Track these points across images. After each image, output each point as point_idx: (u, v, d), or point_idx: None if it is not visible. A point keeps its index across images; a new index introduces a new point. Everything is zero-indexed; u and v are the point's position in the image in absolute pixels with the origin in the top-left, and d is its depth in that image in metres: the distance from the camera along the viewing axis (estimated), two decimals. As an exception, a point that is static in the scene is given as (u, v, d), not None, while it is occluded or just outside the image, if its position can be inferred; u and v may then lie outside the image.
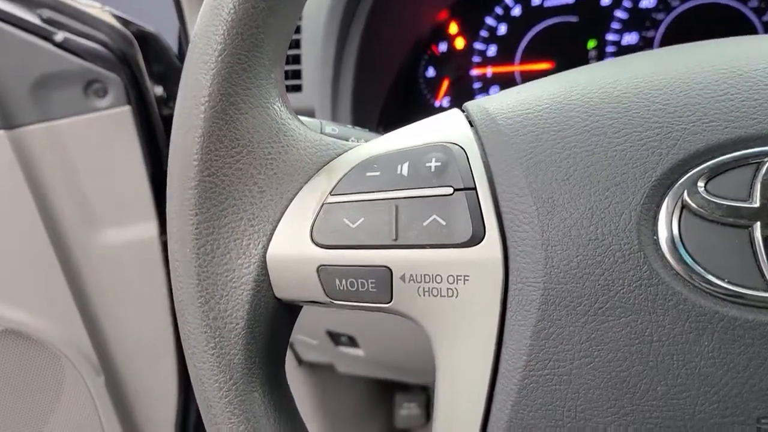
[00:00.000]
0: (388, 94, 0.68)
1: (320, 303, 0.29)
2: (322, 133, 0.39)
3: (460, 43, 0.69)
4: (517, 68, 0.68)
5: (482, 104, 0.29)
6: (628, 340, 0.23)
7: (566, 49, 0.66)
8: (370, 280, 0.27)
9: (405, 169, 0.27)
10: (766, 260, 0.22)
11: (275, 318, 0.29)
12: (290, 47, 0.64)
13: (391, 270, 0.27)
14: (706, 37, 0.60)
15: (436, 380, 0.28)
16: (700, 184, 0.23)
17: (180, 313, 0.30)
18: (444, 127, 0.29)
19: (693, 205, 0.23)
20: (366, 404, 0.96)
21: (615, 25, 0.65)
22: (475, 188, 0.26)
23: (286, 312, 0.30)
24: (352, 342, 0.68)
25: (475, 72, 0.69)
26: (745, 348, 0.22)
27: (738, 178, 0.23)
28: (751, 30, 0.61)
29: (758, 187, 0.22)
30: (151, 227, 0.72)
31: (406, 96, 0.70)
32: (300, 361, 0.83)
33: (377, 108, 0.66)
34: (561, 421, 0.24)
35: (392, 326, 0.58)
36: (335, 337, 0.68)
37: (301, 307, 0.31)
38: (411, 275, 0.26)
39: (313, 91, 0.62)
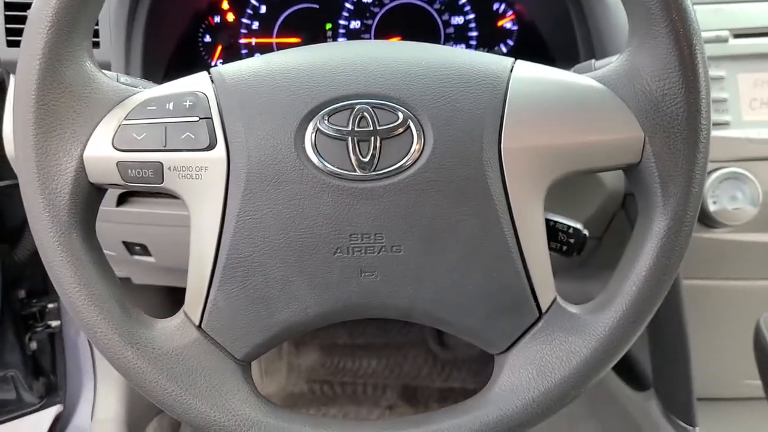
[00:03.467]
0: (173, 54, 0.85)
1: (119, 185, 0.48)
2: (118, 81, 0.57)
3: (230, 17, 0.88)
4: (274, 40, 0.88)
5: (220, 69, 0.49)
6: (289, 198, 0.46)
7: (310, 28, 0.88)
8: (149, 170, 0.47)
9: (171, 105, 0.47)
10: (352, 157, 0.45)
11: (89, 195, 0.48)
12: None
13: (162, 164, 0.47)
14: (406, 25, 0.86)
15: (191, 232, 0.49)
16: (325, 118, 0.46)
17: (24, 194, 0.47)
18: (196, 83, 0.49)
19: (322, 129, 0.46)
20: (160, 312, 1.15)
21: (344, 13, 0.88)
22: (211, 117, 0.47)
23: (96, 191, 0.48)
24: (145, 251, 0.86)
25: (242, 41, 0.89)
26: (336, 200, 0.46)
27: (344, 115, 0.46)
28: (434, 23, 0.88)
29: (350, 119, 0.46)
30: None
31: (188, 56, 0.87)
32: None
33: (163, 65, 0.83)
34: (258, 245, 0.46)
35: (178, 234, 0.77)
36: (130, 247, 0.85)
37: (107, 190, 0.49)
38: (174, 166, 0.47)
39: (108, 49, 0.78)
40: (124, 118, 0.47)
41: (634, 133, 0.47)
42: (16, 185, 0.49)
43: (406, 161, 0.46)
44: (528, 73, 0.48)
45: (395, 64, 0.48)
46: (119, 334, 0.47)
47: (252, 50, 0.89)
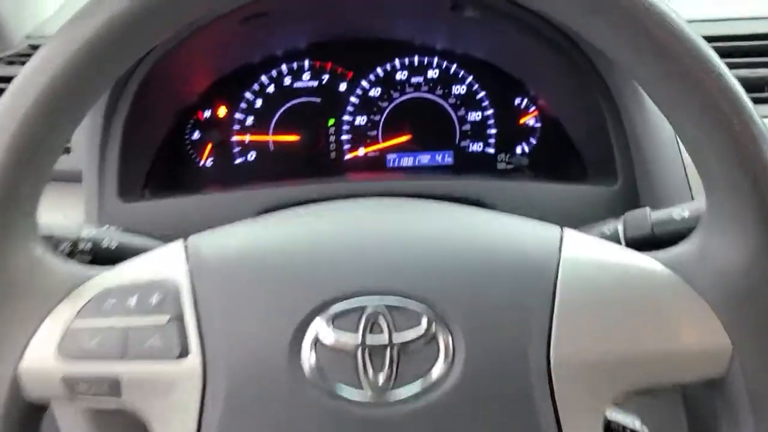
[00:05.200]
0: (157, 153, 0.76)
1: (66, 399, 0.38)
2: (79, 237, 0.47)
3: (222, 112, 0.79)
4: (270, 138, 0.79)
5: (199, 243, 0.40)
6: (279, 425, 0.36)
7: (310, 124, 0.79)
8: (105, 384, 0.37)
9: (134, 302, 0.38)
10: (362, 375, 0.36)
11: (28, 415, 0.38)
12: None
13: (120, 379, 0.37)
14: (418, 122, 0.77)
15: None
16: (329, 322, 0.36)
17: None
18: (167, 263, 0.39)
19: (323, 337, 0.36)
20: None
21: (349, 108, 0.79)
22: (184, 317, 0.37)
23: (37, 409, 0.39)
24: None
25: (235, 138, 0.80)
26: (340, 427, 0.36)
27: (352, 318, 0.36)
28: (449, 119, 0.79)
29: (360, 324, 0.36)
30: None
31: (174, 155, 0.78)
32: None
33: (144, 168, 0.73)
34: None
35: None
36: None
37: (49, 404, 0.40)
38: (135, 381, 0.37)
39: (81, 155, 0.68)
40: (75, 317, 0.38)
41: (718, 339, 0.37)
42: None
43: (431, 381, 0.36)
44: (579, 253, 0.39)
45: (417, 249, 0.39)
46: None
47: (246, 148, 0.80)
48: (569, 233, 0.40)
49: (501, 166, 0.79)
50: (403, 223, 0.40)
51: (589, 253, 0.39)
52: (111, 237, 0.48)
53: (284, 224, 0.41)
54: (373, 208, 0.43)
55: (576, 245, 0.40)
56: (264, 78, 0.79)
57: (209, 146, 0.79)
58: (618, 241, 0.48)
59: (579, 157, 0.74)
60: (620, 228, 0.49)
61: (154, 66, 0.69)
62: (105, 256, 0.48)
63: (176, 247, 0.40)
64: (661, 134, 0.64)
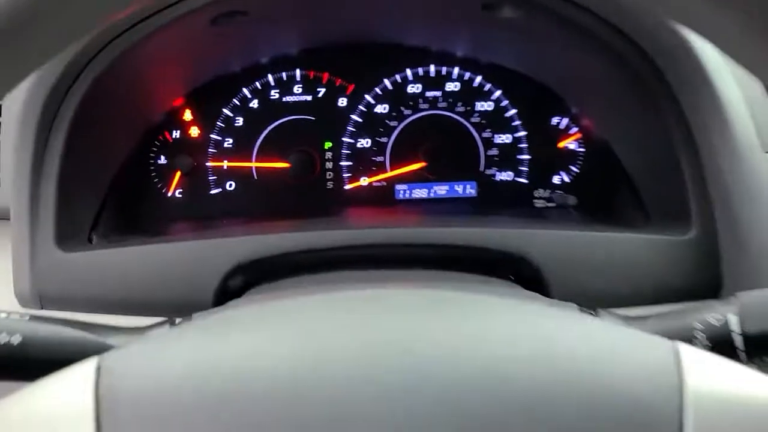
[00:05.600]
0: (111, 186, 0.61)
1: None
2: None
3: (195, 132, 0.65)
4: (253, 164, 0.66)
5: (117, 368, 0.26)
6: None
7: (303, 148, 0.65)
8: None
9: None
10: None
11: None
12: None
13: None
14: (434, 145, 0.62)
15: None
16: None
17: None
18: (66, 403, 0.25)
19: None
20: None
21: (350, 128, 0.65)
22: None
23: None
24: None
25: (210, 164, 0.65)
26: None
27: None
28: (472, 142, 0.65)
29: None
30: None
31: (136, 184, 0.64)
32: None
33: (92, 206, 0.59)
34: None
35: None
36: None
37: None
38: None
39: (9, 187, 0.54)
40: None
41: None
42: None
43: None
44: (710, 390, 0.25)
45: (461, 395, 0.24)
46: None
47: (224, 177, 0.65)
48: (687, 355, 0.26)
49: (539, 203, 0.65)
50: (436, 351, 0.26)
51: (721, 388, 0.25)
52: (12, 329, 0.34)
53: (249, 337, 0.27)
54: (386, 315, 0.28)
55: (702, 376, 0.26)
56: (246, 91, 0.66)
57: (178, 175, 0.65)
58: (729, 336, 0.35)
59: (637, 196, 0.59)
60: (733, 318, 0.35)
61: (103, 73, 0.54)
62: (4, 358, 0.34)
63: (83, 373, 0.26)
64: (754, 172, 0.50)
